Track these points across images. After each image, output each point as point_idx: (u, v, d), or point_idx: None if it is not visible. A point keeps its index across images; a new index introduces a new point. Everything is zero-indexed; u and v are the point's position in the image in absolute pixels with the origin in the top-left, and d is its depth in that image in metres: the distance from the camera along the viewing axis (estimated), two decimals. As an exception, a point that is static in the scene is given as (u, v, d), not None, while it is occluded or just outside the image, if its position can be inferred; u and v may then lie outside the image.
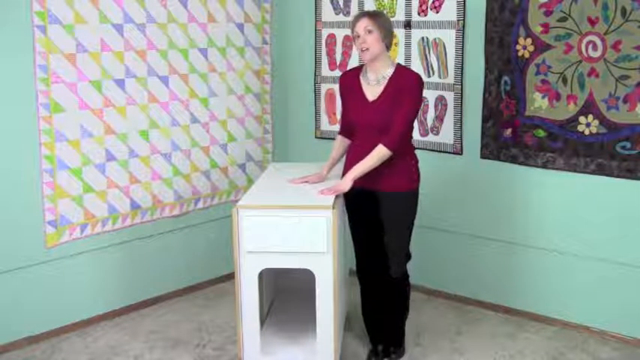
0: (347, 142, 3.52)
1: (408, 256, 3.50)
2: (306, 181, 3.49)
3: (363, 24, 3.19)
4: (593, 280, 3.80)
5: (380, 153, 3.21)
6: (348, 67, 4.51)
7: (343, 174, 3.43)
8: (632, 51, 3.47)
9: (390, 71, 3.27)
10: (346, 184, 3.25)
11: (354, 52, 4.47)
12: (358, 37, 3.21)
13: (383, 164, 3.25)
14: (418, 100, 3.27)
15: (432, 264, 4.31)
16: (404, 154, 3.31)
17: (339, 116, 4.57)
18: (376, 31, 3.18)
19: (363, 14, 3.24)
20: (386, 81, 3.26)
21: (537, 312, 4.02)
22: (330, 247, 3.10)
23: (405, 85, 3.22)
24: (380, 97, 3.26)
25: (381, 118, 3.23)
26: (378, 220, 3.39)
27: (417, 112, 3.29)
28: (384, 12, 3.35)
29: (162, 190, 4.23)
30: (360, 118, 3.32)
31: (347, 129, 3.49)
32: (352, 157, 3.36)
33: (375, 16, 3.22)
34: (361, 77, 3.34)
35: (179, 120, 4.26)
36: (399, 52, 4.27)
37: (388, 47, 3.27)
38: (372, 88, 3.29)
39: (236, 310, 3.24)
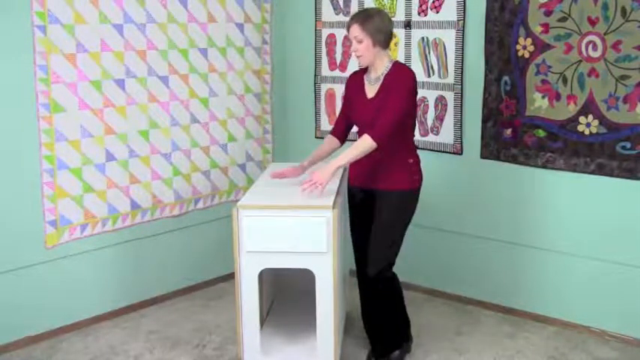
0: (335, 142, 3.48)
1: (390, 262, 3.35)
2: (284, 175, 3.43)
3: (354, 32, 3.17)
4: (593, 280, 3.80)
5: (364, 143, 3.15)
6: (348, 67, 4.52)
7: (350, 177, 3.43)
8: (632, 51, 3.47)
9: (387, 68, 3.26)
10: (326, 175, 3.16)
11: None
12: (351, 43, 3.23)
13: (382, 162, 3.24)
14: (407, 92, 3.18)
15: (432, 264, 4.31)
16: (401, 152, 3.29)
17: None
18: (366, 38, 3.16)
19: (354, 19, 3.19)
20: (382, 79, 3.26)
21: (537, 312, 4.02)
22: (330, 247, 3.10)
23: (393, 80, 3.21)
24: (376, 94, 3.26)
25: (375, 116, 3.22)
26: (371, 221, 3.35)
27: (407, 106, 3.17)
28: (380, 11, 3.27)
29: (162, 190, 4.22)
30: (359, 117, 3.33)
31: (339, 130, 3.48)
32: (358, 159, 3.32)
33: (365, 21, 3.15)
34: (365, 77, 3.35)
35: (179, 120, 4.26)
36: (399, 52, 4.27)
37: (385, 46, 3.25)
38: (372, 87, 3.29)
39: (236, 310, 3.24)
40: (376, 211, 3.32)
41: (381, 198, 3.31)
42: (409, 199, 3.34)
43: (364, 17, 3.18)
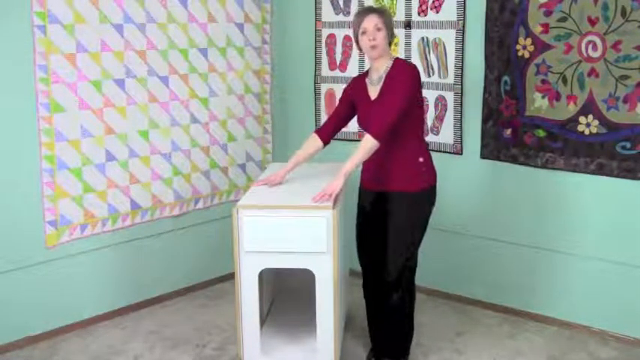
0: (319, 144, 3.42)
1: (410, 267, 3.34)
2: (266, 183, 3.41)
3: (373, 21, 3.18)
4: (593, 280, 3.80)
5: (366, 144, 3.14)
6: (348, 67, 4.52)
7: (362, 180, 3.41)
8: (632, 51, 3.48)
9: (388, 67, 3.24)
10: (337, 183, 3.16)
11: (354, 52, 4.47)
12: (365, 33, 3.20)
13: (390, 163, 3.22)
14: (405, 86, 3.14)
15: (432, 264, 4.31)
16: (411, 151, 3.24)
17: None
18: (384, 29, 3.20)
19: (372, 11, 3.23)
20: (384, 77, 3.23)
21: (537, 312, 4.03)
22: (330, 247, 3.10)
23: (394, 75, 3.19)
24: (379, 95, 3.24)
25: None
26: (383, 224, 3.30)
27: (407, 101, 3.13)
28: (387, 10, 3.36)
29: (162, 190, 4.23)
30: (364, 120, 3.30)
31: (327, 130, 3.44)
32: (368, 160, 3.26)
33: (384, 14, 3.23)
34: (367, 79, 3.34)
35: (179, 120, 4.26)
36: (399, 52, 4.27)
37: (390, 44, 3.28)
38: (375, 88, 3.28)
39: (236, 310, 3.24)
40: (389, 214, 3.27)
41: (393, 200, 3.27)
42: (421, 199, 3.29)
43: (382, 10, 3.26)
